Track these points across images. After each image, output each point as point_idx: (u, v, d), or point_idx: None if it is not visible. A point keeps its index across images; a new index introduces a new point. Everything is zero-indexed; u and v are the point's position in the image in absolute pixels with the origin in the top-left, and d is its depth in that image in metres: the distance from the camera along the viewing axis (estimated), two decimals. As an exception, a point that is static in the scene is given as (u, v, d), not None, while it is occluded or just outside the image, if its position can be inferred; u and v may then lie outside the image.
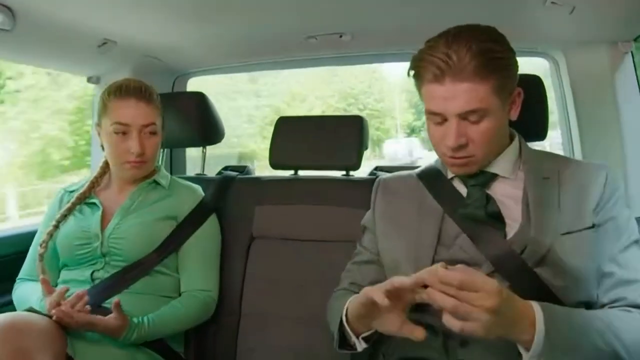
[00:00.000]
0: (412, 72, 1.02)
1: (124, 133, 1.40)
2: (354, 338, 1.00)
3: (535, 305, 0.86)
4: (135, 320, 1.28)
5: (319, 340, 1.37)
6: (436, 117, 1.00)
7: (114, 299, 1.24)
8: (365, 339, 1.00)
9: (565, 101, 1.83)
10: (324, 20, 1.62)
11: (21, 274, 1.47)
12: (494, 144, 1.03)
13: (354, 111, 19.42)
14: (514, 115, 1.05)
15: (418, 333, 0.88)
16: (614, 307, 0.97)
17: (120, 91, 1.41)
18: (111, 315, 1.23)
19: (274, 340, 1.46)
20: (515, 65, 1.01)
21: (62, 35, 1.55)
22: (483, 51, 0.94)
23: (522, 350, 0.86)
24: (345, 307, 1.01)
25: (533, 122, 1.28)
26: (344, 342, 1.03)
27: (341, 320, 1.01)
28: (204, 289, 1.46)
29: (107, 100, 1.42)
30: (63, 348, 1.20)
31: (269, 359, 1.46)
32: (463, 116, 0.97)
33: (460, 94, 0.95)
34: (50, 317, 1.23)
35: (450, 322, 0.80)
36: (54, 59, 1.78)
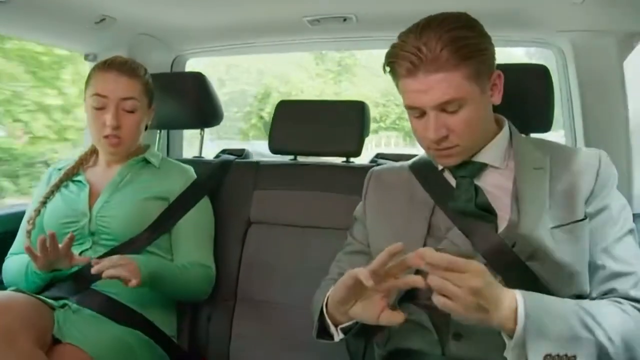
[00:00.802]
0: (387, 69, 1.02)
1: (102, 106, 1.38)
2: (332, 327, 0.99)
3: (517, 293, 0.85)
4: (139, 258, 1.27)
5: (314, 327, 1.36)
6: (415, 111, 1.00)
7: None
8: (344, 331, 0.98)
9: (571, 95, 1.80)
10: (328, 2, 1.59)
11: (11, 251, 1.45)
12: (476, 131, 1.02)
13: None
14: (497, 99, 1.04)
15: (397, 317, 0.87)
16: (604, 298, 0.96)
17: (104, 64, 1.40)
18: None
19: (269, 327, 1.46)
20: (490, 48, 1.00)
21: (60, 9, 1.52)
22: (454, 39, 0.93)
23: (505, 338, 0.86)
24: (327, 295, 0.99)
25: (539, 113, 1.26)
26: (323, 332, 1.02)
27: (322, 310, 1.00)
28: (205, 264, 1.44)
29: (91, 73, 1.41)
30: (48, 329, 1.18)
31: (264, 346, 1.45)
32: (441, 107, 0.97)
33: (434, 85, 0.95)
34: (36, 297, 1.22)
35: (436, 299, 0.81)
36: (50, 33, 1.75)
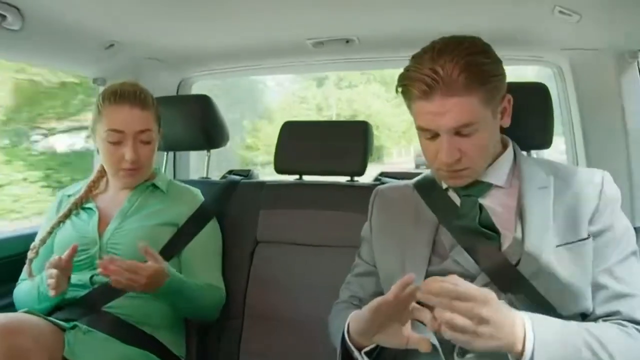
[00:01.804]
0: (399, 89, 1.02)
1: (118, 140, 1.38)
2: (356, 352, 0.98)
3: (526, 317, 0.85)
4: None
5: (323, 344, 1.36)
6: (427, 133, 1.00)
7: (140, 245, 1.25)
8: (368, 354, 0.98)
9: (570, 111, 1.82)
10: (331, 25, 1.62)
11: (22, 277, 1.45)
12: (487, 154, 1.03)
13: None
14: (506, 122, 1.05)
15: (425, 346, 0.87)
16: (607, 320, 0.96)
17: (114, 97, 1.39)
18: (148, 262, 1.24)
19: (278, 345, 1.46)
20: (503, 74, 1.01)
21: (70, 36, 1.56)
22: (470, 64, 0.93)
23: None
24: (347, 322, 0.99)
25: (538, 130, 1.28)
26: (347, 357, 1.01)
27: (343, 336, 1.00)
28: (216, 285, 1.45)
29: (101, 106, 1.40)
30: (59, 350, 1.19)
31: None
32: (455, 131, 0.97)
33: (450, 109, 0.95)
34: (46, 319, 1.23)
35: (449, 335, 0.81)
36: (60, 59, 1.78)
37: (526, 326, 0.84)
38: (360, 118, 5.62)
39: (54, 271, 1.21)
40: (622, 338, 0.91)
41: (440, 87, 0.94)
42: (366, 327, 0.92)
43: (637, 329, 0.93)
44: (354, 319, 0.97)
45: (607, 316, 0.96)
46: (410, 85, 0.97)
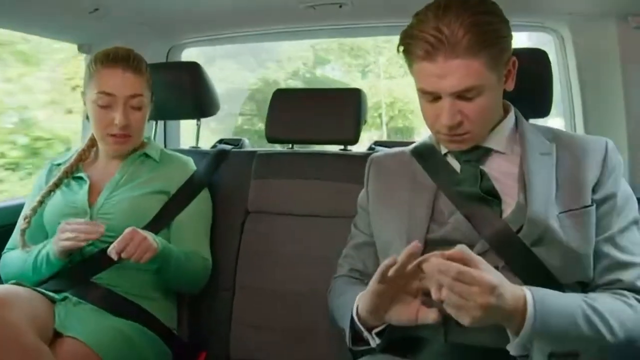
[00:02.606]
0: (401, 49, 0.98)
1: (108, 104, 1.36)
2: (366, 333, 0.97)
3: (527, 293, 0.85)
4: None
5: (314, 315, 1.37)
6: (428, 96, 0.98)
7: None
8: (378, 334, 0.97)
9: (570, 80, 1.79)
10: None
11: (8, 246, 1.44)
12: (489, 119, 1.01)
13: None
14: (510, 85, 1.02)
15: (433, 316, 0.88)
16: (608, 289, 0.96)
17: (107, 59, 1.36)
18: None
19: (269, 316, 1.45)
20: (509, 35, 0.97)
21: (53, 0, 1.50)
22: (476, 24, 0.90)
23: (510, 334, 0.86)
24: (355, 303, 0.98)
25: (537, 98, 1.25)
26: (356, 338, 1.00)
27: (352, 318, 0.98)
28: (203, 255, 1.44)
29: (93, 68, 1.37)
30: (50, 322, 1.19)
31: (264, 335, 1.45)
32: (457, 94, 0.94)
33: (454, 71, 0.91)
34: (36, 290, 1.23)
35: (447, 307, 0.82)
36: (43, 25, 1.74)
37: (528, 304, 0.84)
38: (399, 104, 5.76)
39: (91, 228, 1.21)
40: (622, 308, 0.91)
41: (445, 48, 0.90)
42: (378, 302, 0.91)
43: (637, 299, 0.93)
44: (363, 298, 0.95)
45: (608, 284, 0.96)
46: (413, 45, 0.94)
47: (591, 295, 0.94)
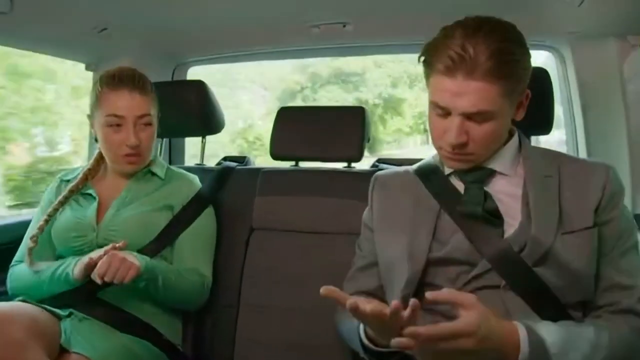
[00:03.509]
0: (422, 59, 0.99)
1: (118, 125, 1.37)
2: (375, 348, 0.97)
3: (520, 327, 0.86)
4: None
5: (318, 332, 1.37)
6: (440, 110, 0.98)
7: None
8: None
9: (571, 97, 1.80)
10: (327, 8, 1.59)
11: (16, 258, 1.43)
12: (494, 143, 1.01)
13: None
14: (520, 115, 1.03)
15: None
16: (608, 311, 0.96)
17: (113, 81, 1.37)
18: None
19: (273, 333, 1.45)
20: (529, 67, 0.98)
21: (61, 20, 1.53)
22: (501, 51, 0.90)
23: None
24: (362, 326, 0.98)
25: (538, 116, 1.26)
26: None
27: (363, 342, 0.98)
28: (201, 272, 1.43)
29: (99, 91, 1.38)
30: (55, 339, 1.19)
31: (268, 352, 1.44)
32: (468, 115, 0.95)
33: (470, 92, 0.92)
34: (41, 307, 1.23)
35: None
36: (52, 43, 1.76)
37: (520, 337, 0.84)
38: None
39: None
40: (620, 332, 0.91)
41: (466, 67, 0.91)
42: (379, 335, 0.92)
43: (632, 326, 0.93)
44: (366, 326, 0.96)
45: (608, 306, 0.96)
46: (435, 58, 0.95)
47: (584, 324, 0.94)
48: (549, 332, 0.87)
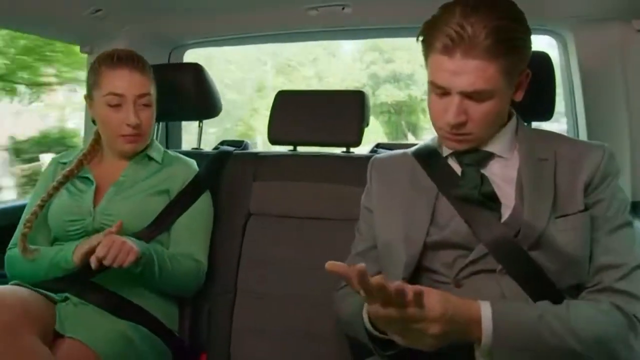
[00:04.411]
0: (420, 38, 0.99)
1: (118, 105, 1.36)
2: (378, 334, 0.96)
3: (484, 305, 0.87)
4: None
5: (316, 318, 1.37)
6: (438, 89, 0.97)
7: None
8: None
9: (572, 83, 1.78)
10: None
11: (12, 242, 1.41)
12: (493, 124, 1.01)
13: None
14: (519, 96, 1.02)
15: None
16: (591, 290, 0.96)
17: (112, 61, 1.36)
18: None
19: (270, 319, 1.45)
20: (529, 46, 0.97)
21: (55, 1, 1.50)
22: (500, 29, 0.90)
23: (475, 346, 0.88)
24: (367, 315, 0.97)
25: (540, 102, 1.24)
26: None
27: (367, 330, 0.97)
28: (197, 258, 1.42)
29: (98, 70, 1.37)
30: (50, 323, 1.19)
31: (265, 338, 1.44)
32: (467, 94, 0.94)
33: (469, 70, 0.91)
34: (37, 290, 1.23)
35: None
36: (46, 25, 1.74)
37: (482, 314, 0.86)
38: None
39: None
40: (590, 314, 0.91)
41: (464, 45, 0.90)
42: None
43: (611, 302, 0.92)
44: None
45: (592, 286, 0.96)
46: (433, 37, 0.94)
47: (558, 306, 0.92)
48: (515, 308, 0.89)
